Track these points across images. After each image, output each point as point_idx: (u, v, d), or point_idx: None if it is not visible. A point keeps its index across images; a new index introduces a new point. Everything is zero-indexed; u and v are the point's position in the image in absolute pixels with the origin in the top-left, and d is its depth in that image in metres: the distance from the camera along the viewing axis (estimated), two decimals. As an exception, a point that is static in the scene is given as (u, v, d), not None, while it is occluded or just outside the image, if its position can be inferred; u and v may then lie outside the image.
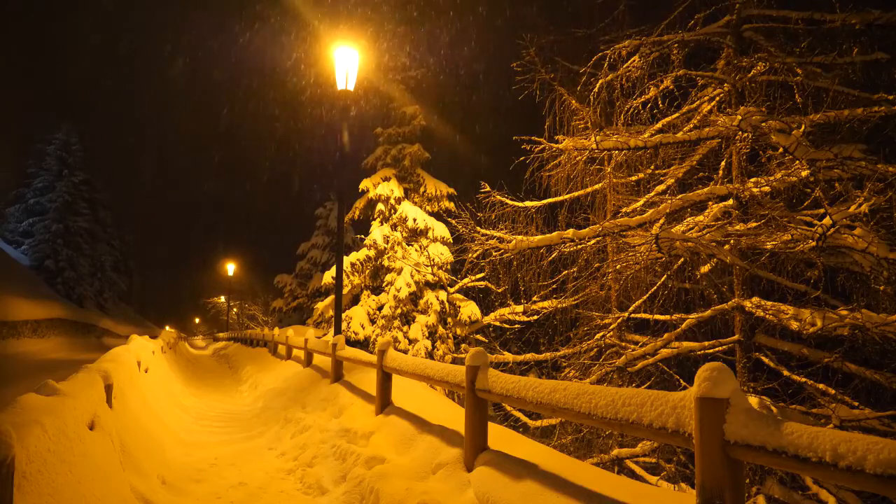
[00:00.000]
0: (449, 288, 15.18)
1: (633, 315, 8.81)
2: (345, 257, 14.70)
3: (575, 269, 9.47)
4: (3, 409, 2.94)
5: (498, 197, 9.07)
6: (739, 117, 6.60)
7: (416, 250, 15.83)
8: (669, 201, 7.31)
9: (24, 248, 36.28)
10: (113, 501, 3.67)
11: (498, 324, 12.34)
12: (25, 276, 30.39)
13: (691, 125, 8.17)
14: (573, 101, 10.05)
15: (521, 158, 8.98)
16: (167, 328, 47.36)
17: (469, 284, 13.07)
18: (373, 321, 15.43)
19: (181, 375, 14.44)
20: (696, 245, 6.80)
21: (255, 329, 28.63)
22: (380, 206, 16.08)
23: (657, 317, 8.65)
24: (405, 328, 14.93)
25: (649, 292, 8.63)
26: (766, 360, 7.35)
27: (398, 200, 16.00)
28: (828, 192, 6.53)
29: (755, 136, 6.76)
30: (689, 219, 7.30)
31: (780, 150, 6.52)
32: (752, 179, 6.86)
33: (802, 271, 7.21)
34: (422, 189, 16.50)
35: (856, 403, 6.69)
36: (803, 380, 7.00)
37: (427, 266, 15.19)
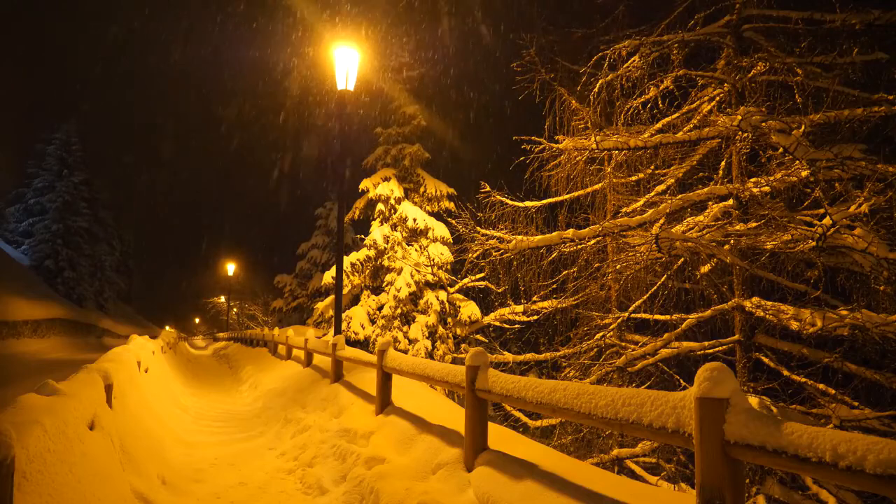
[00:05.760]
0: (449, 288, 15.18)
1: (633, 315, 8.80)
2: (345, 257, 14.70)
3: (575, 269, 9.47)
4: (3, 409, 2.94)
5: (498, 197, 9.07)
6: (739, 117, 6.60)
7: (416, 250, 15.83)
8: (669, 201, 7.30)
9: (24, 248, 36.28)
10: (113, 501, 3.67)
11: (498, 324, 12.35)
12: (25, 276, 30.40)
13: (691, 125, 8.17)
14: (573, 101, 10.05)
15: (521, 158, 8.99)
16: (167, 328, 47.38)
17: (469, 284, 13.08)
18: (373, 321, 15.43)
19: (181, 375, 14.44)
20: (696, 245, 6.80)
21: (255, 329, 28.63)
22: (380, 206, 16.08)
23: (657, 317, 8.65)
24: (405, 328, 14.93)
25: (649, 292, 8.63)
26: (766, 360, 7.35)
27: (398, 200, 16.00)
28: (828, 192, 6.52)
29: (755, 136, 6.75)
30: (689, 219, 7.30)
31: (780, 150, 6.52)
32: (752, 179, 6.85)
33: (802, 271, 7.21)
34: (422, 189, 16.50)
35: (856, 403, 6.69)
36: (803, 380, 7.00)
37: (427, 266, 15.19)
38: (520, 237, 8.37)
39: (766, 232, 6.51)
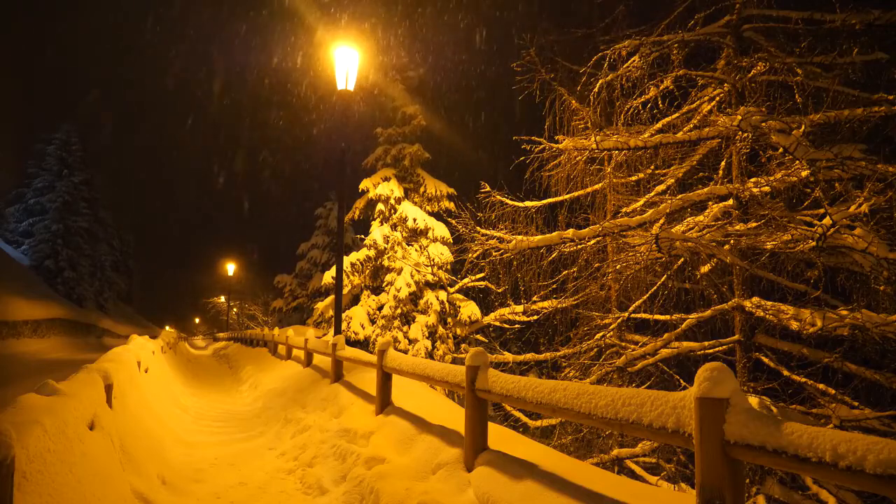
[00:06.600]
0: (449, 288, 15.18)
1: (633, 315, 8.80)
2: (345, 257, 14.70)
3: (575, 269, 9.47)
4: (3, 409, 2.94)
5: (498, 197, 9.07)
6: (739, 117, 6.60)
7: (416, 250, 15.83)
8: (669, 201, 7.30)
9: (24, 248, 36.28)
10: (113, 501, 3.67)
11: (498, 324, 12.35)
12: (25, 276, 30.40)
13: (691, 125, 8.17)
14: (573, 101, 10.04)
15: (521, 158, 8.99)
16: (167, 328, 47.39)
17: (469, 284, 13.08)
18: (373, 321, 15.43)
19: (181, 375, 14.44)
20: (696, 245, 6.80)
21: (255, 329, 28.63)
22: (380, 206, 16.09)
23: (657, 317, 8.65)
24: (405, 328, 14.93)
25: (649, 292, 8.62)
26: (766, 360, 7.35)
27: (398, 200, 16.00)
28: (828, 192, 6.52)
29: (755, 136, 6.75)
30: (689, 219, 7.29)
31: (780, 150, 6.52)
32: (752, 179, 6.85)
33: (802, 271, 7.21)
34: (422, 189, 16.50)
35: (856, 403, 6.69)
36: (803, 380, 7.00)
37: (427, 266, 15.19)
38: (520, 237, 8.37)
39: (766, 232, 6.51)
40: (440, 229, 15.82)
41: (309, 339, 11.50)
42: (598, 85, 8.91)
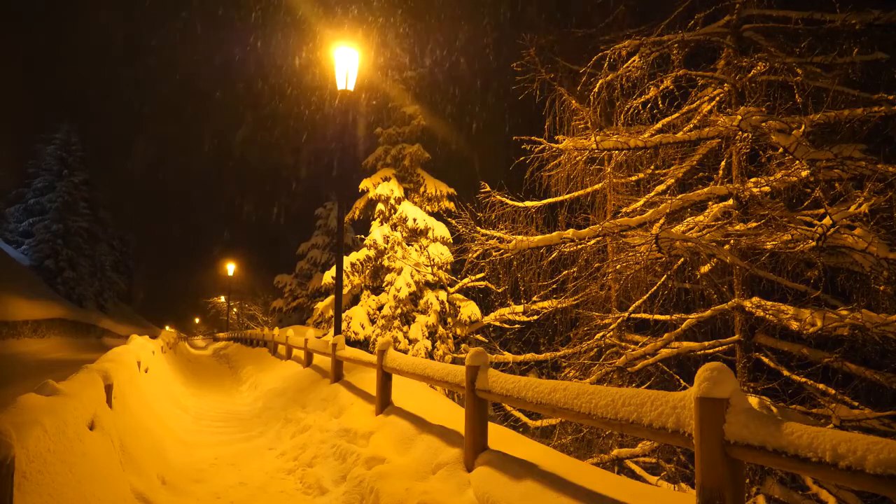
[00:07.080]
0: (449, 288, 15.18)
1: (633, 315, 8.80)
2: (345, 257, 14.70)
3: (575, 269, 9.47)
4: (3, 409, 2.94)
5: (498, 197, 9.07)
6: (739, 117, 6.60)
7: (416, 250, 15.83)
8: (669, 201, 7.31)
9: (24, 248, 36.27)
10: (113, 501, 3.67)
11: (498, 324, 12.34)
12: (25, 276, 30.40)
13: (691, 125, 8.17)
14: (573, 101, 10.04)
15: (521, 158, 9.00)
16: (167, 328, 47.40)
17: (469, 284, 13.07)
18: (373, 321, 15.43)
19: (181, 375, 14.44)
20: (696, 245, 6.80)
21: (255, 329, 28.63)
22: (380, 206, 16.09)
23: (657, 317, 8.65)
24: (405, 328, 14.93)
25: (649, 292, 8.62)
26: (766, 360, 7.35)
27: (398, 200, 16.00)
28: (828, 192, 6.52)
29: (755, 136, 6.75)
30: (689, 219, 7.29)
31: (780, 150, 6.52)
32: (752, 179, 6.85)
33: (802, 271, 7.21)
34: (422, 189, 16.50)
35: (856, 403, 6.68)
36: (803, 380, 7.00)
37: (427, 266, 15.19)
38: (520, 237, 8.37)
39: (766, 232, 6.51)
40: (440, 229, 15.83)
41: (309, 339, 11.50)
42: (598, 85, 8.91)
